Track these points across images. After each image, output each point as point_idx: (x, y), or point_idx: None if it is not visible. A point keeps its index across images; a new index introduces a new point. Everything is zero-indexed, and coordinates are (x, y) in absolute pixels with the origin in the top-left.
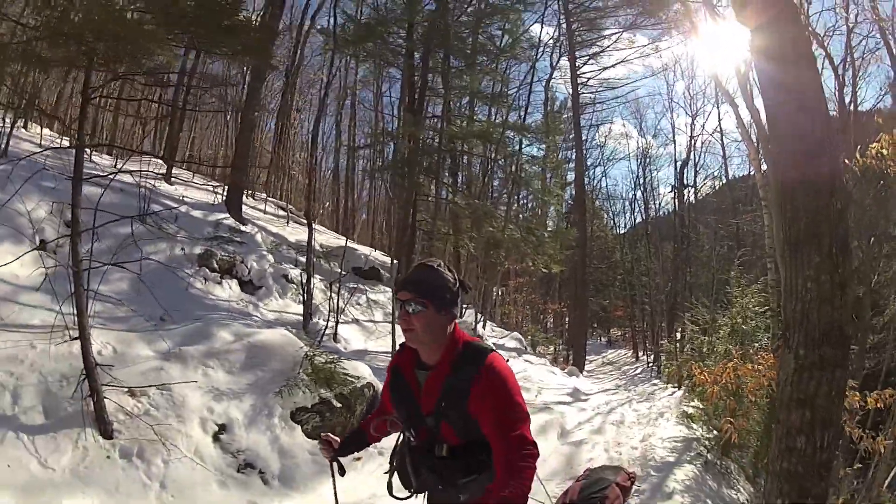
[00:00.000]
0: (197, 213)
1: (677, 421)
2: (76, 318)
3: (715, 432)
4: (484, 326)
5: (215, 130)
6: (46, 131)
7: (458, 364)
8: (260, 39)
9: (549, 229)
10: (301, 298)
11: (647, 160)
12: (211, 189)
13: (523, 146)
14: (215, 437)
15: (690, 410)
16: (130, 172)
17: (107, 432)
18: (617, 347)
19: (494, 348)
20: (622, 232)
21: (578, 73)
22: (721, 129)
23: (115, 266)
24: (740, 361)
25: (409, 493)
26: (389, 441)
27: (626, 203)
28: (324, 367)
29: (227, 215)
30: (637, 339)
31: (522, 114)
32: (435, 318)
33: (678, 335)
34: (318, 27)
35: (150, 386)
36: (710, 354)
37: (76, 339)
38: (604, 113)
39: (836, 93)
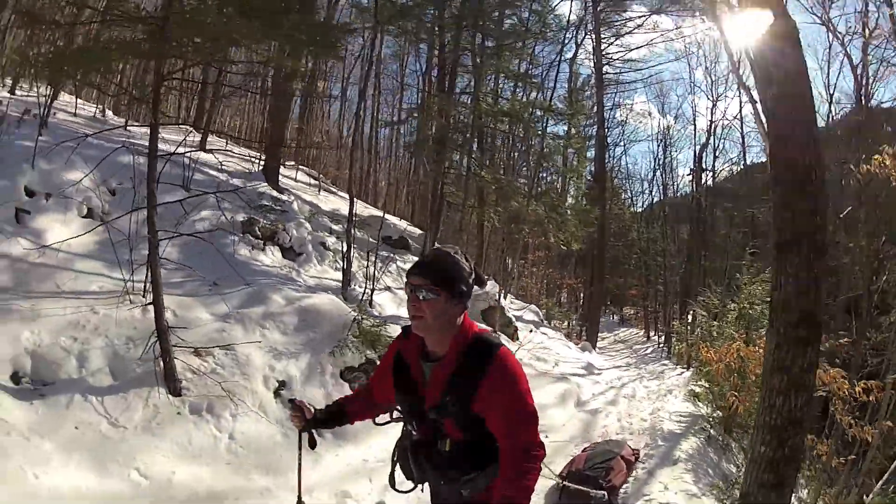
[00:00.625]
0: (237, 181)
1: (685, 398)
2: (146, 284)
3: (719, 413)
4: (505, 297)
5: (247, 98)
6: (80, 101)
7: (467, 358)
8: (334, 37)
9: (570, 205)
10: (338, 265)
11: (668, 141)
12: (246, 157)
13: (548, 124)
14: (276, 393)
15: (698, 390)
16: (181, 154)
17: (176, 390)
18: (629, 326)
19: (504, 343)
20: (639, 210)
21: (603, 52)
22: (741, 115)
23: (168, 234)
24: (744, 343)
25: (412, 486)
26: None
27: (645, 183)
28: (370, 329)
29: (266, 184)
30: (649, 319)
31: (549, 94)
32: (447, 307)
33: (689, 318)
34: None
35: (214, 346)
36: (718, 338)
37: (148, 304)
38: (626, 93)
39: (854, 93)
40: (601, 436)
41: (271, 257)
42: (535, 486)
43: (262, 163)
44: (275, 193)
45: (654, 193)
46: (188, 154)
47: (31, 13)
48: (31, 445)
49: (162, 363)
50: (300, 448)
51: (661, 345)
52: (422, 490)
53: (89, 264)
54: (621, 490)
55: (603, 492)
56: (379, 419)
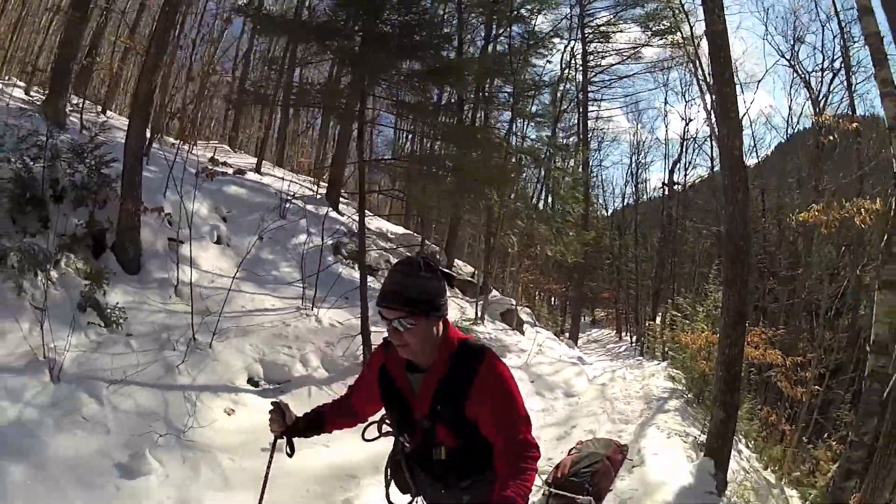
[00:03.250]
0: (310, 207)
1: (665, 379)
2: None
3: (690, 394)
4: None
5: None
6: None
7: (454, 365)
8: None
9: (570, 225)
10: None
11: (640, 151)
12: (297, 181)
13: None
14: None
15: (674, 374)
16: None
17: None
18: (600, 327)
19: (490, 347)
20: (610, 214)
21: (589, 80)
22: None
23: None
24: (711, 333)
25: (409, 500)
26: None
27: (617, 189)
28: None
29: (330, 208)
30: (620, 321)
31: (552, 127)
32: (427, 326)
33: (658, 319)
34: None
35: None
36: (691, 331)
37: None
38: (605, 112)
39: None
40: (613, 398)
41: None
42: (532, 486)
43: (318, 189)
44: (335, 215)
45: (627, 198)
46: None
47: None
48: None
49: (362, 357)
50: (272, 455)
51: (634, 343)
52: None
53: (249, 286)
54: (610, 489)
55: (589, 497)
56: (367, 434)
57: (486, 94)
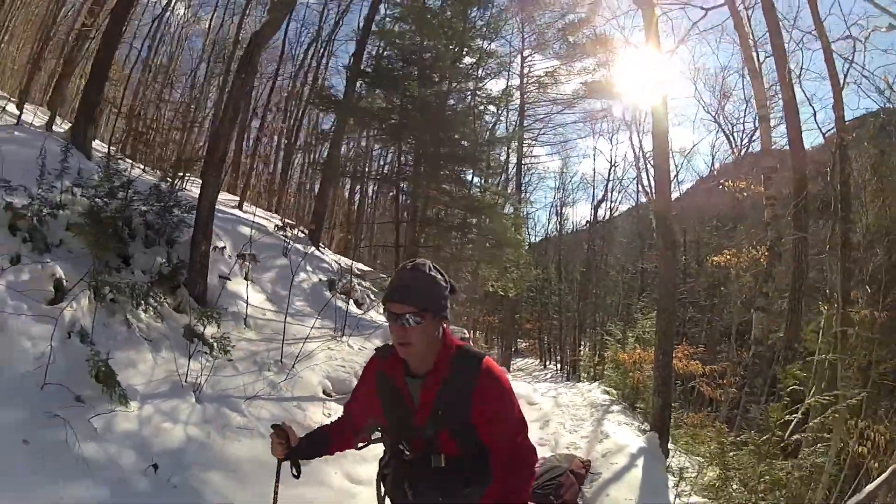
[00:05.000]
0: (299, 246)
1: (601, 392)
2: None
3: (626, 402)
4: None
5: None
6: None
7: (455, 370)
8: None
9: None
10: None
11: (566, 191)
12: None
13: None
14: None
15: (607, 389)
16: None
17: None
18: (523, 356)
19: (487, 353)
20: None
21: (525, 127)
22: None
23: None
24: (642, 351)
25: None
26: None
27: (539, 224)
28: None
29: (314, 248)
30: (544, 350)
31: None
32: (432, 327)
33: (584, 347)
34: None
35: None
36: (624, 352)
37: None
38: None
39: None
40: (565, 405)
41: (354, 308)
42: (530, 489)
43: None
44: (318, 253)
45: (548, 234)
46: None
47: None
48: None
49: None
50: (277, 481)
51: (559, 371)
52: None
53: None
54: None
55: None
56: (358, 444)
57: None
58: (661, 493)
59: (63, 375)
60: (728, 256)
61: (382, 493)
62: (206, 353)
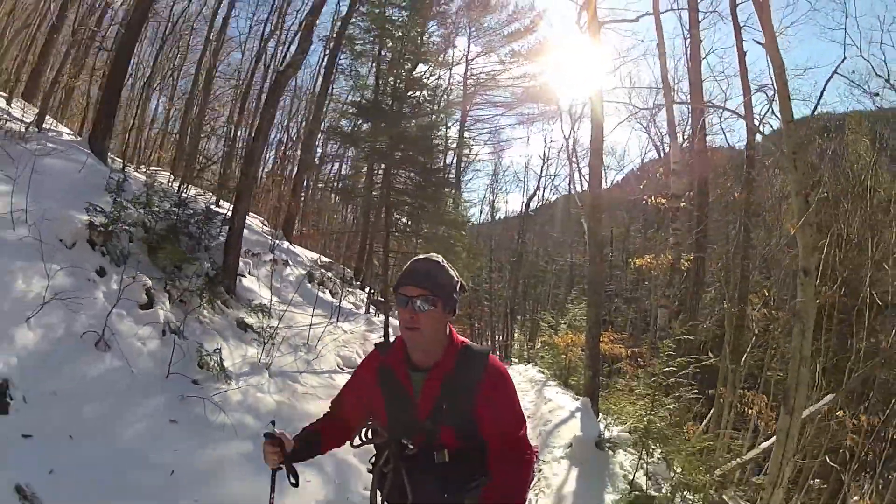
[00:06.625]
0: (278, 242)
1: (537, 372)
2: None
3: (559, 381)
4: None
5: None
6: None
7: (460, 365)
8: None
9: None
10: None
11: (498, 182)
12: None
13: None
14: None
15: (542, 370)
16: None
17: None
18: None
19: (491, 350)
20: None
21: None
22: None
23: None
24: (574, 335)
25: None
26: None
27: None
28: None
29: (287, 242)
30: (475, 336)
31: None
32: (441, 317)
33: (517, 333)
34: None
35: None
36: (558, 336)
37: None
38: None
39: None
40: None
41: (329, 296)
42: (530, 485)
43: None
44: (292, 248)
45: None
46: (273, 234)
47: None
48: None
49: None
50: (273, 490)
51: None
52: None
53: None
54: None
55: None
56: (355, 441)
57: None
58: (595, 430)
59: (176, 365)
60: (648, 260)
61: (376, 486)
62: (255, 339)
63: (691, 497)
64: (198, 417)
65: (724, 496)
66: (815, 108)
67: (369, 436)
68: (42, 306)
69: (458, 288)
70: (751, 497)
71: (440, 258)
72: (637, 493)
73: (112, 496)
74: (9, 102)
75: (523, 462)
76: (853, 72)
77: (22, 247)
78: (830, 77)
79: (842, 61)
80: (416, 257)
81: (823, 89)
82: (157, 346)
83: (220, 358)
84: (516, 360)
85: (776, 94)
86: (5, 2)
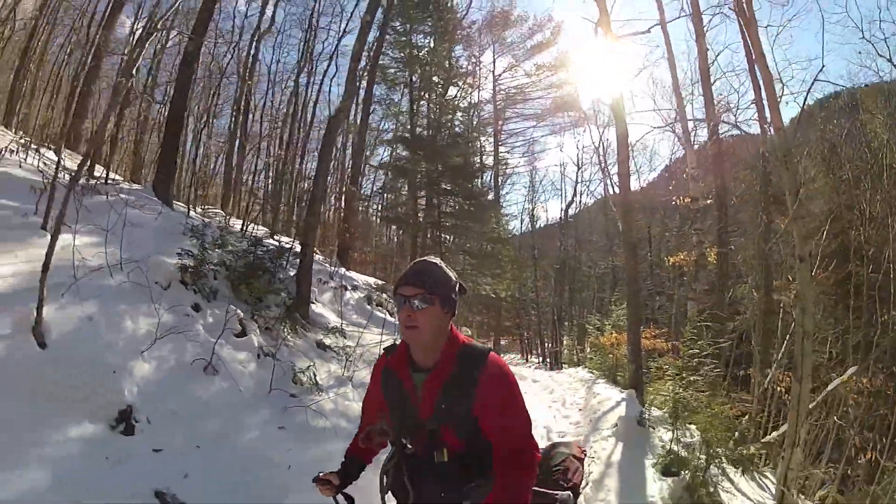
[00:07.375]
0: (332, 268)
1: (587, 373)
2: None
3: (608, 378)
4: None
5: None
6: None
7: (460, 364)
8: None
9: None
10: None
11: (537, 192)
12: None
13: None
14: None
15: (592, 370)
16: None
17: None
18: (506, 352)
19: (492, 348)
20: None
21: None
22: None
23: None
24: (618, 334)
25: None
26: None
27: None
28: None
29: (344, 269)
30: (524, 345)
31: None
32: (439, 315)
33: (565, 339)
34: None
35: None
36: (604, 336)
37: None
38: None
39: None
40: (559, 382)
41: (385, 314)
42: (532, 485)
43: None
44: (346, 273)
45: (523, 225)
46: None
47: None
48: None
49: None
50: None
51: (542, 363)
52: None
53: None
54: (582, 487)
55: (567, 492)
56: (362, 442)
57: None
58: (637, 411)
59: (275, 383)
60: (681, 257)
61: (385, 485)
62: (335, 356)
63: (712, 451)
64: (301, 423)
65: (743, 451)
66: (802, 109)
67: (375, 436)
68: (155, 341)
69: (456, 288)
70: (773, 459)
71: (437, 259)
72: (671, 456)
73: (243, 489)
74: (58, 154)
75: (525, 465)
76: (860, 53)
77: (121, 291)
78: (812, 85)
79: (821, 69)
80: (416, 260)
81: (805, 98)
82: (255, 368)
83: (314, 374)
84: (566, 364)
85: (766, 106)
86: (35, 50)
